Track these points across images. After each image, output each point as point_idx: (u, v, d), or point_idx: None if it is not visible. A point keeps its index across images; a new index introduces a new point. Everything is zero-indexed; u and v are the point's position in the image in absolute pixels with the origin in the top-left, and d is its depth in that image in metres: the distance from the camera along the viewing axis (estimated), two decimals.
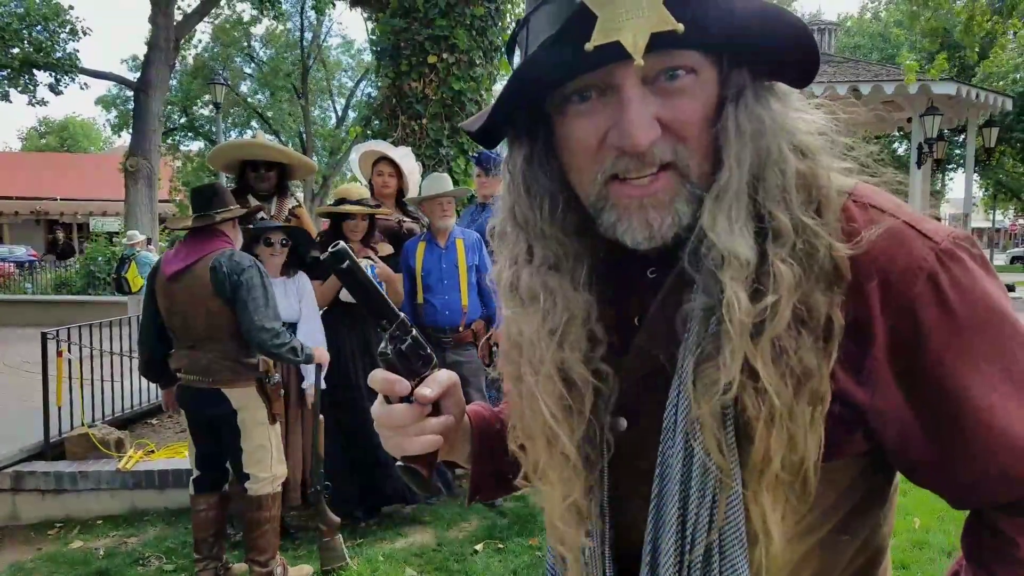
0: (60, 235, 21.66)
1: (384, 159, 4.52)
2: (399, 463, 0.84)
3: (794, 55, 0.72)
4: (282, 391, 3.40)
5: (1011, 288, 16.72)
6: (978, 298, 0.70)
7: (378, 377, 0.82)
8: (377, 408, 0.84)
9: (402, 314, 0.82)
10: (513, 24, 7.82)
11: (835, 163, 0.76)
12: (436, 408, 0.86)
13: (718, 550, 0.73)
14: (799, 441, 0.69)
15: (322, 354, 3.53)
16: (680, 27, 0.64)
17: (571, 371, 0.78)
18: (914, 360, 0.70)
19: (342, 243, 0.77)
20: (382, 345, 0.81)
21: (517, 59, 0.79)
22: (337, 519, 3.63)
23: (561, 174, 0.79)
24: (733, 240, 0.68)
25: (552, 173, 0.79)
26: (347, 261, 0.76)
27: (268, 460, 3.33)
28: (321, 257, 3.88)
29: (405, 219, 4.59)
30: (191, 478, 3.48)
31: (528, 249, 0.80)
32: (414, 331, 0.83)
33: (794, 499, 0.71)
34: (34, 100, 18.40)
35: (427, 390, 0.82)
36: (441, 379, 0.85)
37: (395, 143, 5.58)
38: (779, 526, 0.71)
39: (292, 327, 3.90)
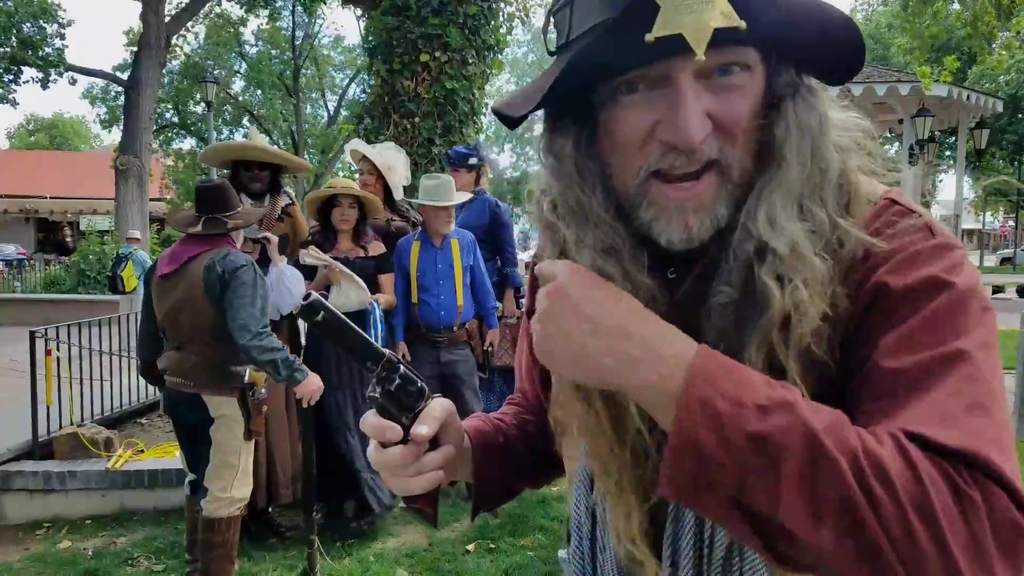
0: (67, 232, 22.02)
1: (366, 158, 4.46)
2: (402, 504, 0.83)
3: (842, 52, 0.72)
4: (264, 407, 3.21)
5: (1000, 289, 16.83)
6: (952, 291, 0.67)
7: (368, 423, 0.80)
8: (373, 453, 0.82)
9: (387, 351, 0.79)
10: (505, 23, 7.83)
11: (863, 162, 0.76)
12: (434, 440, 0.83)
13: (738, 549, 0.72)
14: None
15: (312, 387, 3.18)
16: (743, 24, 0.64)
17: None
18: (862, 324, 0.69)
19: (314, 294, 0.75)
20: (369, 388, 0.79)
21: (553, 39, 0.76)
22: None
23: (602, 161, 0.77)
24: (777, 233, 0.68)
25: (598, 159, 0.77)
26: (321, 312, 0.74)
27: (230, 480, 3.13)
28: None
29: (394, 218, 4.56)
30: (186, 479, 3.41)
31: (581, 236, 0.76)
32: (402, 367, 0.80)
33: None
34: (5, 100, 18.18)
35: (423, 428, 0.80)
36: (436, 412, 0.82)
37: (387, 141, 5.55)
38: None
39: (282, 321, 3.89)
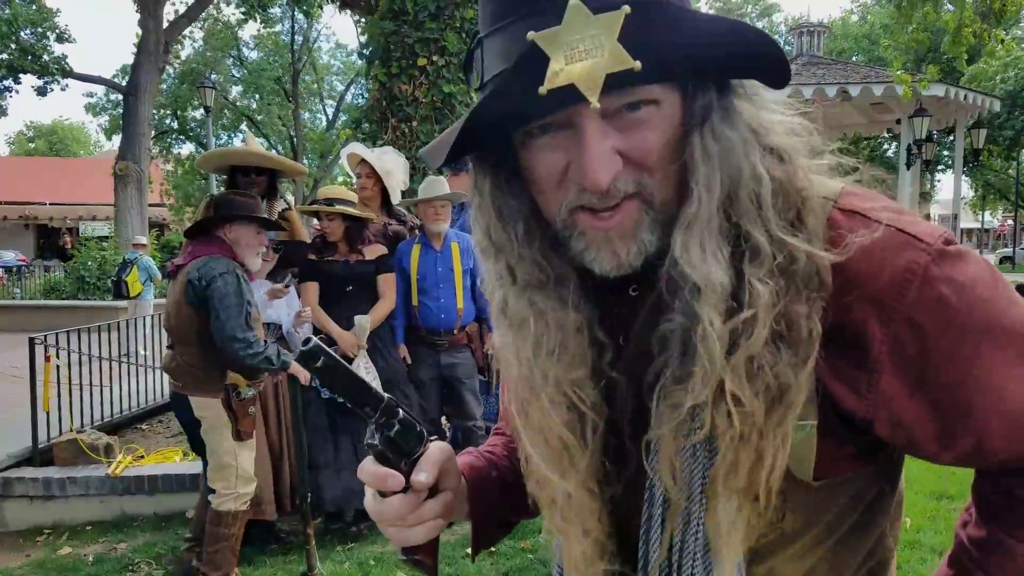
0: (68, 239, 22.27)
1: (364, 161, 4.47)
2: (401, 556, 0.80)
3: (762, 67, 0.70)
4: (251, 408, 3.29)
5: None
6: (979, 294, 0.68)
7: (368, 471, 0.77)
8: (371, 503, 0.79)
9: (386, 396, 0.76)
10: None
11: (813, 163, 0.74)
12: (433, 486, 0.81)
13: (684, 571, 0.73)
14: (766, 455, 0.68)
15: (300, 368, 3.40)
16: (637, 65, 0.62)
17: (579, 391, 0.74)
18: (925, 368, 0.68)
19: (314, 339, 0.71)
20: (367, 436, 0.76)
21: (473, 79, 0.76)
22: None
23: (530, 196, 0.77)
24: (707, 268, 0.67)
25: (522, 195, 0.77)
26: (322, 358, 0.70)
27: (231, 478, 3.26)
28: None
29: (391, 221, 4.56)
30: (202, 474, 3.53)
31: (510, 270, 0.77)
32: (401, 412, 0.77)
33: (755, 515, 0.70)
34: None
35: (422, 475, 0.77)
36: (435, 457, 0.79)
37: (385, 145, 5.55)
38: (739, 542, 0.70)
39: (276, 328, 3.92)
